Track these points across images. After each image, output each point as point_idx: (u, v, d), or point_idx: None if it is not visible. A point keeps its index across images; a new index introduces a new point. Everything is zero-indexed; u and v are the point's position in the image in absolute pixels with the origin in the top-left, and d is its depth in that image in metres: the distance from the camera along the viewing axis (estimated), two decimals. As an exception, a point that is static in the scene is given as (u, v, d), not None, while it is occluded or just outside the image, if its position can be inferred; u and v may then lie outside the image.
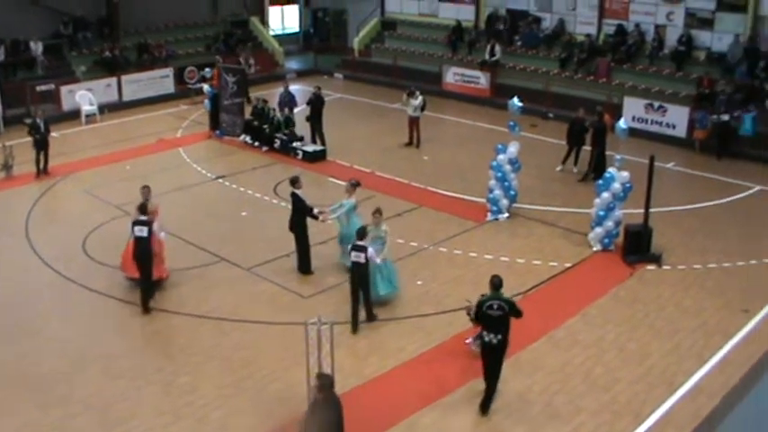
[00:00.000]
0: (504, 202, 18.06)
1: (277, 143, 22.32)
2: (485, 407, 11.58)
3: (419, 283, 15.24)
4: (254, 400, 11.51)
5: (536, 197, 19.33)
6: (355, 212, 15.36)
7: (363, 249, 13.43)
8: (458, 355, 12.61)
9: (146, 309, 13.75)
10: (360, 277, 13.03)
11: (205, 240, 16.91)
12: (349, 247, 13.25)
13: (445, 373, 12.25)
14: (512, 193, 18.26)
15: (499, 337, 11.30)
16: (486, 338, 11.32)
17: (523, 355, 12.74)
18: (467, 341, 12.71)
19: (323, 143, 22.43)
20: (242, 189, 19.47)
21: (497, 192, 18.06)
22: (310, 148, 22.09)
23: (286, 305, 14.48)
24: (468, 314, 11.60)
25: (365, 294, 12.54)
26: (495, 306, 11.39)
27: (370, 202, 17.96)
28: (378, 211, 14.51)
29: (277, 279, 15.38)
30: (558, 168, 20.93)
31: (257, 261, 16.08)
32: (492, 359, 11.51)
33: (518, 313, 11.47)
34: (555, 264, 15.95)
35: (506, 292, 11.88)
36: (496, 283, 11.37)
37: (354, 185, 15.46)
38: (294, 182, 15.44)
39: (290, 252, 16.18)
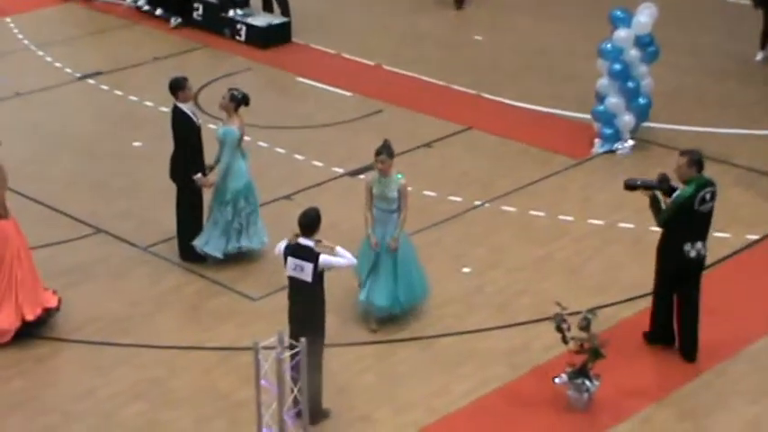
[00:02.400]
0: (627, 118, 14.23)
1: (198, 11, 19.83)
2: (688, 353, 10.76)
3: (465, 270, 11.56)
4: None
5: (689, 110, 15.12)
6: (242, 155, 11.99)
7: (310, 256, 8.76)
8: (539, 406, 10.07)
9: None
10: (303, 315, 8.94)
11: (66, 196, 13.04)
12: (281, 246, 9.00)
13: None
14: (641, 101, 14.27)
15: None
16: (692, 252, 10.36)
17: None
18: (556, 380, 10.14)
19: (284, 11, 18.88)
20: (132, 98, 17.20)
21: (613, 100, 14.22)
22: (260, 20, 19.01)
23: (218, 314, 10.72)
24: (561, 326, 9.86)
25: (311, 363, 8.63)
26: (710, 196, 10.40)
27: (371, 126, 15.31)
28: (384, 149, 10.23)
29: (199, 265, 11.86)
30: (759, 57, 16.86)
31: (162, 233, 12.13)
32: (690, 287, 10.49)
33: None
34: (725, 235, 12.10)
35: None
36: (699, 159, 10.40)
37: (236, 98, 11.75)
38: (176, 86, 11.60)
39: None
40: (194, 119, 11.79)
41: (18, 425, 9.48)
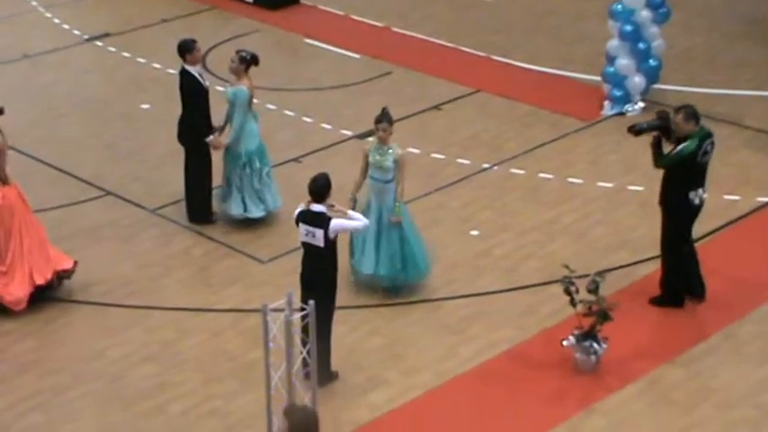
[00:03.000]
0: (637, 80, 14.14)
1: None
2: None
3: (474, 233, 11.50)
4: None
5: (700, 71, 14.99)
6: (253, 116, 11.91)
7: (321, 221, 8.75)
8: (547, 369, 9.82)
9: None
10: (314, 279, 9.13)
11: (75, 159, 13.01)
12: (296, 214, 8.99)
13: (525, 403, 9.17)
14: (651, 63, 14.15)
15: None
16: (696, 199, 10.54)
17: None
18: (564, 342, 9.98)
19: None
20: (140, 60, 17.14)
21: (623, 62, 14.12)
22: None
23: (227, 276, 10.72)
24: (569, 289, 9.78)
25: (320, 327, 8.77)
26: (710, 147, 10.55)
27: (380, 88, 14.95)
28: (385, 117, 10.15)
29: (208, 228, 11.90)
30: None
31: (171, 195, 12.11)
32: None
33: None
34: (735, 197, 12.06)
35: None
36: (695, 112, 10.50)
37: (246, 59, 11.66)
38: (185, 49, 11.55)
39: None
40: (202, 81, 11.72)
41: (28, 385, 9.52)
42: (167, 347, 10.04)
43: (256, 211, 11.73)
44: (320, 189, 9.31)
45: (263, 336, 7.81)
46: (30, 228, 10.73)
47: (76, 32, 17.55)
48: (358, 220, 9.37)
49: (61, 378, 9.63)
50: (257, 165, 11.61)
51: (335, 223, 9.20)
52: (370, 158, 10.57)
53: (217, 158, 12.03)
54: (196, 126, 11.74)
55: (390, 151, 10.60)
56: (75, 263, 10.94)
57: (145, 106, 15.03)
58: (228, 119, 11.77)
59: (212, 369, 9.73)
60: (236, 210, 11.76)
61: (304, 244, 9.35)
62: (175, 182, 12.37)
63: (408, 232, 10.82)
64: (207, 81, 11.98)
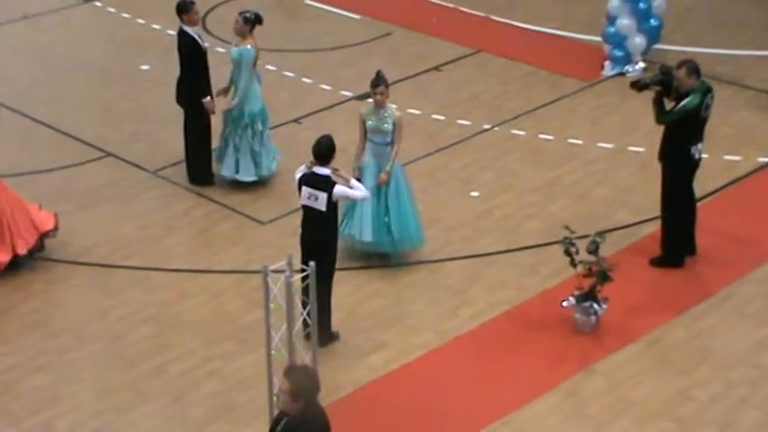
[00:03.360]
0: (638, 40, 14.01)
1: None
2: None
3: (474, 194, 11.42)
4: (170, 419, 8.98)
5: (701, 31, 14.85)
6: (257, 78, 11.79)
7: (325, 185, 8.70)
8: (547, 329, 9.67)
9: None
10: (316, 243, 8.97)
11: (73, 119, 12.94)
12: (298, 177, 8.96)
13: (525, 364, 8.96)
14: (652, 22, 14.05)
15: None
16: (696, 153, 10.40)
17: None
18: (564, 303, 9.84)
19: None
20: (140, 20, 16.80)
21: (624, 22, 14.00)
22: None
23: (228, 238, 10.68)
24: (569, 250, 9.66)
25: (321, 288, 8.76)
26: (711, 101, 10.44)
27: (380, 49, 15.00)
28: (382, 80, 10.07)
29: (208, 189, 11.82)
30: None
31: (171, 156, 12.06)
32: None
33: None
34: (736, 158, 12.05)
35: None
36: (696, 67, 10.39)
37: (250, 20, 11.58)
38: (182, 9, 11.56)
39: None
40: (200, 42, 11.58)
41: (30, 346, 9.51)
42: (168, 308, 10.00)
43: (247, 176, 11.62)
44: (325, 152, 9.15)
45: (263, 297, 7.78)
46: (8, 195, 10.56)
47: (76, -8, 17.41)
48: (360, 190, 9.28)
49: (63, 339, 9.62)
50: (259, 127, 11.51)
51: (339, 189, 9.07)
52: (368, 123, 10.37)
53: (216, 119, 11.96)
54: (195, 87, 11.63)
55: (388, 114, 10.42)
56: (56, 219, 10.76)
57: (144, 67, 14.87)
58: (233, 80, 11.66)
59: (213, 330, 9.71)
60: (226, 171, 11.68)
61: (305, 207, 9.23)
62: (176, 143, 12.28)
63: (403, 197, 10.61)
64: (206, 42, 11.89)
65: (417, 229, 10.69)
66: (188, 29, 11.59)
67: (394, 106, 10.50)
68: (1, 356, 9.33)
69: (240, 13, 11.67)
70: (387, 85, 10.45)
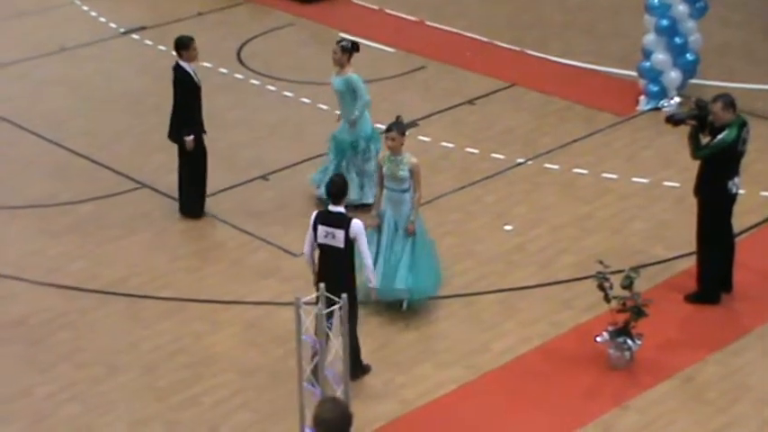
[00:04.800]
0: (674, 75, 13.91)
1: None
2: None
3: (507, 228, 11.35)
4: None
5: (738, 66, 14.76)
6: (365, 101, 11.86)
7: (341, 222, 8.69)
8: (580, 365, 9.70)
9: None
10: (335, 281, 8.77)
11: (108, 151, 13.00)
12: (314, 217, 9.01)
13: (558, 399, 9.19)
14: (688, 57, 13.94)
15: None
16: (734, 188, 10.29)
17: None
18: (598, 339, 9.73)
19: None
20: (176, 54, 16.09)
21: (659, 57, 13.91)
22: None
23: (260, 269, 10.67)
24: (603, 285, 9.51)
25: (349, 325, 8.42)
26: (747, 135, 10.26)
27: (414, 82, 14.99)
28: (395, 125, 10.08)
29: (242, 221, 11.69)
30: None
31: (209, 188, 12.10)
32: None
33: None
34: None
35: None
36: (732, 101, 10.20)
37: (348, 48, 11.71)
38: (181, 45, 11.81)
39: (266, 173, 12.88)
40: (195, 78, 11.76)
41: (63, 375, 9.54)
42: (200, 340, 10.01)
43: (372, 196, 11.50)
44: (338, 191, 9.11)
45: (295, 329, 7.77)
46: None
47: (113, 25, 17.55)
48: (369, 258, 9.22)
49: (96, 369, 9.64)
50: (373, 148, 11.69)
51: (356, 225, 8.99)
52: (384, 169, 10.16)
53: (212, 154, 12.05)
54: (185, 122, 11.77)
55: (404, 160, 10.16)
56: None
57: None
58: (343, 109, 11.85)
59: (244, 362, 9.70)
60: (353, 195, 11.57)
61: (322, 246, 9.11)
62: (209, 175, 12.35)
63: (417, 248, 10.37)
64: (200, 79, 12.00)
65: (431, 279, 10.45)
66: (184, 64, 11.79)
67: (409, 153, 10.29)
68: (35, 386, 9.37)
69: (337, 43, 11.87)
70: (402, 132, 10.20)
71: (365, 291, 9.80)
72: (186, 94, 11.79)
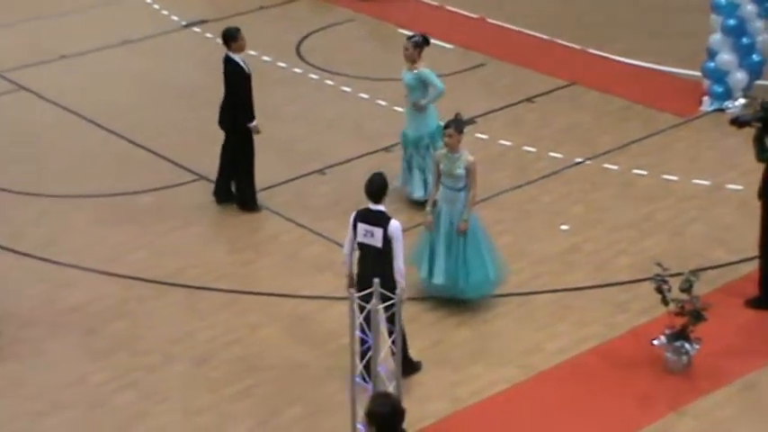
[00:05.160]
0: (739, 76, 13.77)
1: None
2: None
3: (564, 228, 11.30)
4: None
5: None
6: (440, 90, 11.95)
7: (381, 221, 8.69)
8: (636, 368, 9.57)
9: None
10: (375, 278, 8.11)
11: (168, 142, 13.14)
12: (353, 215, 9.00)
13: (612, 402, 9.21)
14: (755, 58, 13.79)
15: None
16: None
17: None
18: (655, 342, 9.74)
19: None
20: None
21: (725, 57, 13.77)
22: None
23: (315, 263, 10.70)
24: (661, 287, 9.44)
25: (390, 325, 8.47)
26: None
27: (473, 79, 15.14)
28: (453, 123, 10.08)
29: (298, 214, 11.70)
30: None
31: (265, 181, 12.20)
32: None
33: None
34: None
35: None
36: None
37: (420, 44, 11.77)
38: (229, 37, 11.81)
39: (323, 167, 12.94)
40: (245, 67, 11.79)
41: (119, 363, 9.65)
42: (255, 332, 10.08)
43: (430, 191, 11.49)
44: (377, 190, 9.05)
45: (349, 324, 7.77)
46: None
47: (174, 18, 17.69)
48: (401, 260, 9.00)
49: (152, 358, 9.74)
50: (440, 144, 11.62)
51: (394, 225, 8.92)
52: (442, 167, 10.10)
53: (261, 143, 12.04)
54: (239, 112, 11.80)
55: (460, 158, 10.08)
56: None
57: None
58: (412, 102, 11.90)
59: (297, 355, 9.75)
60: (418, 192, 11.68)
61: (361, 245, 9.05)
62: (266, 168, 12.40)
63: (476, 244, 10.27)
64: (250, 68, 12.02)
65: (490, 276, 10.41)
66: (233, 55, 11.82)
67: (466, 151, 10.23)
68: (91, 373, 9.49)
69: (409, 39, 11.93)
70: (459, 130, 10.13)
71: (418, 288, 9.83)
72: (238, 84, 11.84)
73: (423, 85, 11.66)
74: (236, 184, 12.08)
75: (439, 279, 10.17)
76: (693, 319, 9.28)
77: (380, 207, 8.95)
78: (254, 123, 11.71)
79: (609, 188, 12.49)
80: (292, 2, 18.41)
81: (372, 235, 8.97)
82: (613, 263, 11.09)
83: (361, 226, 9.00)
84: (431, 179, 11.59)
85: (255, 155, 12.04)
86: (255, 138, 11.97)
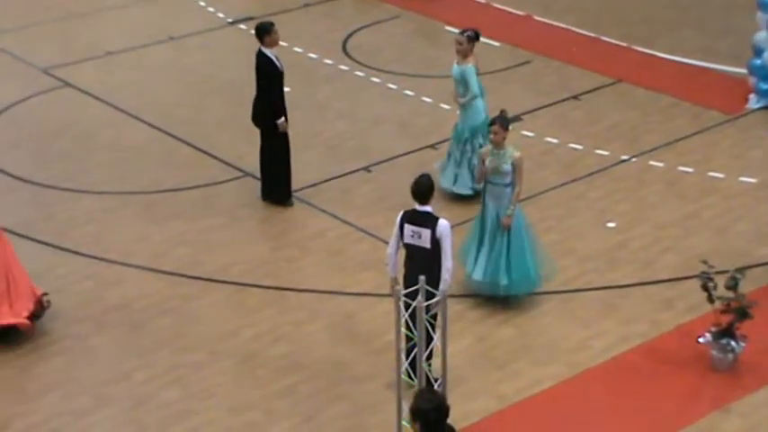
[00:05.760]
0: (785, 72, 13.74)
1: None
2: None
3: (610, 225, 11.22)
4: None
5: None
6: (482, 92, 11.98)
7: (428, 222, 8.69)
8: (682, 365, 9.37)
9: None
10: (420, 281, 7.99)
11: (215, 140, 13.23)
12: (400, 216, 8.93)
13: (658, 400, 9.13)
14: (801, 56, 13.74)
15: None
16: None
17: None
18: (701, 339, 9.63)
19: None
20: (283, 43, 16.19)
21: (771, 55, 13.73)
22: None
23: (361, 260, 10.70)
24: (707, 285, 9.36)
25: (430, 327, 8.19)
26: None
27: (520, 77, 15.13)
28: (498, 119, 10.07)
29: (343, 212, 11.71)
30: None
31: (310, 178, 12.23)
32: None
33: None
34: None
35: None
36: None
37: (472, 38, 11.78)
38: (263, 31, 11.66)
39: (369, 165, 12.90)
40: (277, 64, 11.75)
41: (164, 360, 9.71)
42: (300, 329, 10.10)
43: (464, 189, 11.70)
44: (424, 191, 8.99)
45: (395, 321, 7.79)
46: (16, 258, 10.03)
47: (220, 15, 17.75)
48: (451, 260, 8.89)
49: (197, 355, 9.80)
50: (479, 141, 11.66)
51: (443, 224, 8.84)
52: (488, 163, 10.04)
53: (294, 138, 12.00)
54: (271, 107, 11.77)
55: (506, 154, 10.04)
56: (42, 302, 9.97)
57: (285, 89, 15.10)
58: (458, 95, 11.96)
59: (343, 352, 9.77)
60: (445, 183, 11.74)
61: (408, 246, 9.00)
62: (310, 165, 12.42)
63: (520, 241, 10.23)
64: (283, 64, 11.99)
65: (531, 273, 10.34)
66: (266, 50, 11.76)
67: (512, 147, 10.20)
68: (136, 370, 9.57)
69: (461, 33, 11.95)
70: (504, 126, 10.08)
71: (464, 285, 9.82)
72: (270, 79, 11.79)
73: (465, 81, 11.69)
74: (263, 175, 12.14)
75: (478, 275, 10.16)
76: (739, 316, 9.21)
77: (427, 208, 8.90)
78: (282, 120, 11.68)
79: (655, 186, 12.39)
80: (338, -1, 18.44)
81: (420, 236, 8.91)
82: (659, 260, 11.02)
83: (408, 227, 8.94)
84: (461, 173, 11.60)
85: (298, 151, 12.04)
86: (300, 134, 11.97)
